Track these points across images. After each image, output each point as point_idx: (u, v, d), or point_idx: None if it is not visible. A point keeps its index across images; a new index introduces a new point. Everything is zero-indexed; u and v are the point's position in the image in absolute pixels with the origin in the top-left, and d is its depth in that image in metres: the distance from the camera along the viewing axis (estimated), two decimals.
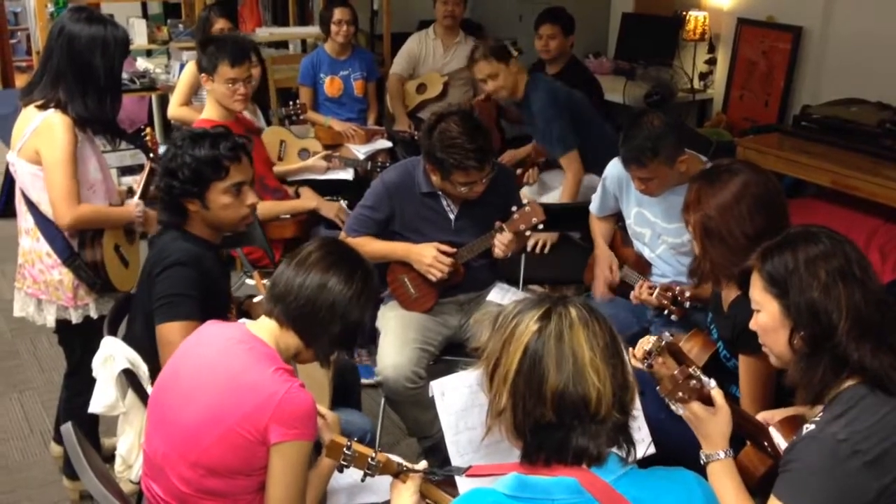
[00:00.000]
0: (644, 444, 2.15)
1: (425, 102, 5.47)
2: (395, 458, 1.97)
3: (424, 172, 3.14)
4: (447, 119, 2.99)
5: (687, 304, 2.89)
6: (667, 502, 1.54)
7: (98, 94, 2.90)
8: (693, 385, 1.92)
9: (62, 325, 3.10)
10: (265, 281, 2.53)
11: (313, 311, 2.04)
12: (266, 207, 4.00)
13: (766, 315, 1.92)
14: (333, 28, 5.22)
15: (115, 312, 2.78)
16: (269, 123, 4.85)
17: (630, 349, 2.13)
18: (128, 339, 2.62)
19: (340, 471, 1.98)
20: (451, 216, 3.19)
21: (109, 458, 2.92)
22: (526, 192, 4.43)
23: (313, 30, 6.75)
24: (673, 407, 1.97)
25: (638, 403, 1.88)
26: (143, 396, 2.49)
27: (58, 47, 2.87)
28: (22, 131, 2.90)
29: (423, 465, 1.99)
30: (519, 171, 4.46)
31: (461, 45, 5.50)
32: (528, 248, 4.03)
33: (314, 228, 4.13)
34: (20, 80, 8.24)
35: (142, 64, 6.25)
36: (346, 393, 2.87)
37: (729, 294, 2.49)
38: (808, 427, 1.81)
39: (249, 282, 4.18)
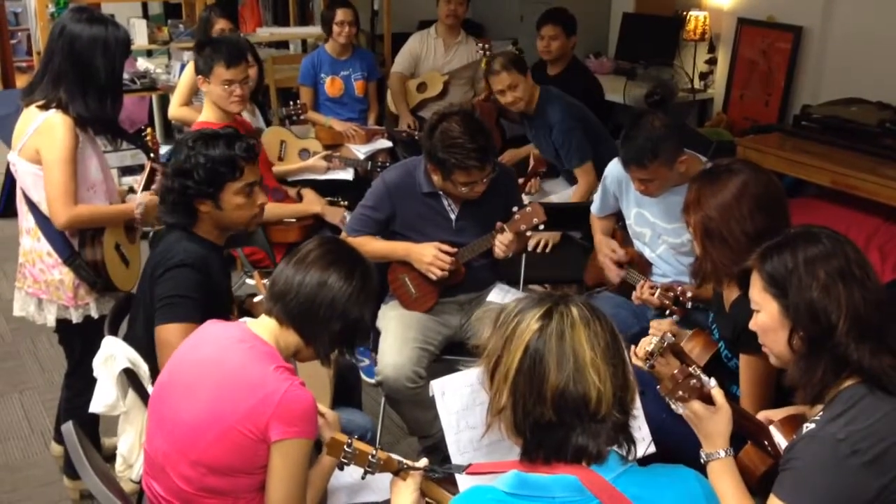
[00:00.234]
0: (644, 443, 2.16)
1: (426, 101, 5.48)
2: (396, 457, 1.98)
3: (425, 172, 3.14)
4: (449, 119, 2.99)
5: (689, 305, 2.89)
6: (667, 499, 1.55)
7: (99, 95, 2.90)
8: (693, 384, 1.92)
9: (63, 325, 3.10)
10: (265, 281, 2.53)
11: (313, 309, 2.04)
12: (269, 209, 3.99)
13: (766, 315, 1.92)
14: (335, 29, 5.22)
15: (115, 312, 2.79)
16: (268, 123, 4.85)
17: (632, 347, 2.13)
18: (129, 339, 2.62)
19: (341, 468, 1.98)
20: (452, 216, 3.19)
21: (110, 457, 2.92)
22: (526, 200, 4.43)
23: (314, 30, 6.75)
24: (673, 406, 1.97)
25: (638, 402, 1.88)
26: (143, 396, 2.50)
27: (59, 48, 2.88)
28: (23, 131, 2.90)
29: (423, 462, 1.99)
30: (521, 180, 4.47)
31: (462, 44, 5.51)
32: (530, 248, 4.04)
33: (319, 233, 4.13)
34: (21, 81, 8.24)
35: (142, 64, 6.25)
36: (346, 392, 2.87)
37: (730, 294, 2.49)
38: (808, 426, 1.81)
39: (249, 282, 4.18)
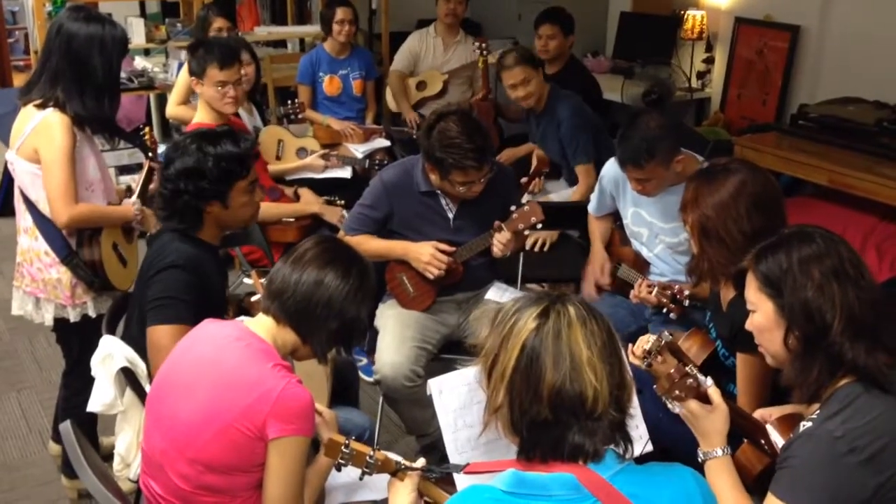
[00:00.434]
0: (642, 441, 2.16)
1: (425, 100, 5.48)
2: (394, 457, 1.98)
3: (423, 171, 3.14)
4: (446, 119, 2.99)
5: (686, 303, 2.89)
6: (663, 498, 1.55)
7: (96, 93, 2.91)
8: (690, 384, 1.93)
9: (60, 324, 3.10)
10: (263, 280, 2.53)
11: (310, 308, 2.05)
12: (267, 209, 4.00)
13: (761, 315, 1.92)
14: (335, 27, 5.22)
15: (113, 311, 2.79)
16: (265, 123, 4.85)
17: (630, 346, 2.14)
18: (126, 338, 2.62)
19: (339, 469, 1.99)
20: (450, 215, 3.19)
21: (108, 456, 2.93)
22: (528, 199, 4.43)
23: (312, 29, 6.75)
24: (670, 405, 1.98)
25: (636, 401, 1.89)
26: (141, 395, 2.50)
27: (56, 46, 2.88)
28: (21, 130, 2.90)
29: (420, 462, 1.99)
30: (523, 180, 4.47)
31: (461, 43, 5.52)
32: (528, 247, 4.04)
33: (317, 233, 4.12)
34: (18, 79, 8.23)
35: (140, 63, 6.25)
36: (344, 391, 2.87)
37: (727, 293, 2.50)
38: (805, 424, 1.82)
39: (247, 281, 4.19)
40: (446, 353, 3.28)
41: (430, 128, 3.01)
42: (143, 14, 7.21)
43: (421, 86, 5.52)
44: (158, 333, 2.42)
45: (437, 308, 3.27)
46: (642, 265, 3.34)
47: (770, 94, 5.74)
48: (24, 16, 8.77)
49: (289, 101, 4.92)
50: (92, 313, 3.05)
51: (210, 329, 2.12)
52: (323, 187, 4.48)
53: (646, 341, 2.06)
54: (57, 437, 3.40)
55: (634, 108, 5.36)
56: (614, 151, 3.19)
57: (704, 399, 1.96)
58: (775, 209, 2.42)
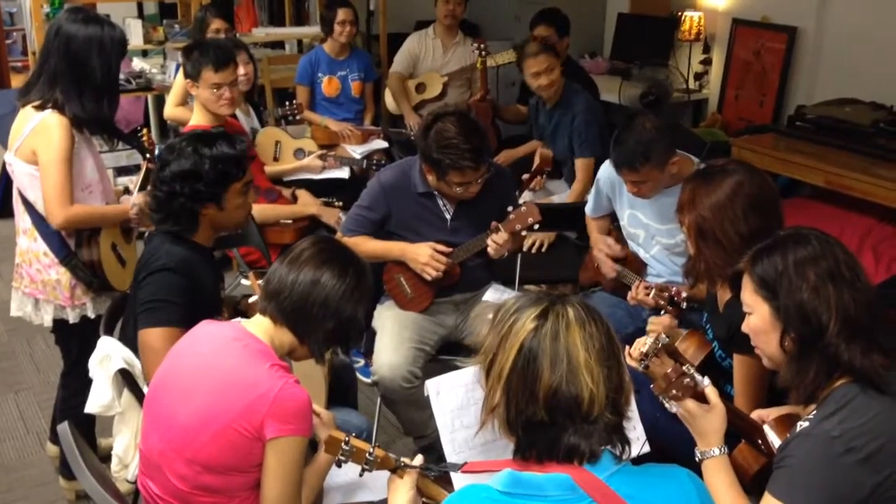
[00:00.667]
0: (639, 442, 2.17)
1: (424, 102, 5.48)
2: (393, 455, 1.98)
3: (420, 172, 3.15)
4: (443, 119, 2.99)
5: (683, 305, 2.90)
6: (660, 499, 1.55)
7: (95, 95, 2.91)
8: (687, 383, 1.93)
9: (59, 325, 3.10)
10: (260, 281, 2.53)
11: (306, 308, 2.05)
12: (266, 211, 4.01)
13: (757, 317, 1.93)
14: (337, 28, 5.23)
15: (111, 312, 2.79)
16: (263, 124, 4.85)
17: (627, 348, 2.14)
18: (123, 340, 2.62)
19: (339, 466, 1.99)
20: (447, 216, 3.20)
21: (105, 458, 2.92)
22: (528, 197, 4.44)
23: (310, 30, 6.75)
24: (667, 405, 1.98)
25: (633, 402, 1.89)
26: (139, 396, 2.50)
27: (55, 48, 2.88)
28: (19, 131, 2.91)
29: (419, 460, 2.00)
30: (525, 176, 4.48)
31: (460, 45, 5.52)
32: (525, 248, 4.05)
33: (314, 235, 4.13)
34: (16, 81, 8.23)
35: (138, 64, 6.25)
36: (342, 392, 2.87)
37: (724, 294, 2.50)
38: (802, 425, 1.82)
39: (245, 282, 4.19)
40: (444, 354, 3.28)
41: (427, 128, 3.01)
42: (140, 15, 7.21)
43: (420, 88, 5.52)
44: (149, 336, 2.42)
45: (434, 309, 3.27)
46: (639, 266, 3.34)
47: (767, 95, 5.75)
48: (21, 17, 8.76)
49: (287, 103, 4.92)
50: (91, 314, 3.05)
51: (208, 330, 2.12)
52: (321, 188, 4.48)
53: (643, 343, 2.07)
54: (55, 439, 3.40)
55: (632, 109, 5.36)
56: None
57: (702, 399, 1.96)
58: (772, 210, 2.42)
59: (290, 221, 4.11)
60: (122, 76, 4.51)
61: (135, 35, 5.85)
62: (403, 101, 5.46)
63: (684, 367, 1.95)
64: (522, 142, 5.10)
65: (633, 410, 2.14)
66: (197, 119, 3.86)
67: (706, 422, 1.95)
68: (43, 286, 3.02)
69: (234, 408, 1.94)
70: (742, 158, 4.49)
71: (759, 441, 2.08)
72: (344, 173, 4.77)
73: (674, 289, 2.94)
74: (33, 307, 3.09)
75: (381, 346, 3.12)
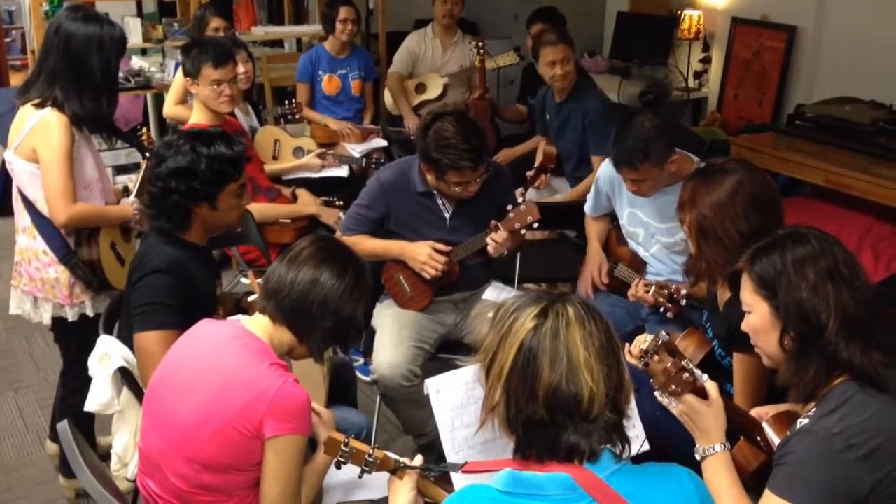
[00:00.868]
0: (638, 440, 2.17)
1: (424, 103, 5.47)
2: (392, 455, 1.98)
3: (420, 172, 3.15)
4: (442, 119, 2.99)
5: (683, 302, 2.90)
6: (660, 498, 1.55)
7: (95, 93, 2.91)
8: (686, 378, 1.93)
9: (58, 323, 3.10)
10: (260, 280, 2.53)
11: (305, 306, 2.05)
12: (265, 210, 4.00)
13: (757, 316, 1.93)
14: (339, 26, 5.23)
15: (110, 310, 2.79)
16: (262, 123, 4.85)
17: (627, 345, 2.14)
18: (121, 338, 2.62)
19: (338, 467, 1.99)
20: (447, 215, 3.20)
21: (105, 456, 2.92)
22: (533, 195, 4.44)
23: (309, 28, 6.75)
24: (666, 401, 1.98)
25: (633, 401, 1.89)
26: (138, 395, 2.50)
27: (54, 46, 2.88)
28: (19, 129, 2.91)
29: (419, 460, 2.00)
30: (530, 173, 4.47)
31: (459, 44, 5.51)
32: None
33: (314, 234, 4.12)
34: (15, 79, 8.23)
35: (137, 63, 6.24)
36: (341, 390, 2.87)
37: (724, 293, 2.50)
38: (802, 421, 1.83)
39: (245, 281, 4.19)
40: (443, 352, 3.29)
41: (426, 128, 3.01)
42: (139, 14, 7.20)
43: (420, 88, 5.52)
44: (145, 340, 2.41)
45: (434, 308, 3.27)
46: (639, 265, 3.35)
47: (767, 94, 5.75)
48: (20, 15, 8.77)
49: (286, 101, 4.92)
50: (90, 313, 3.05)
51: (207, 329, 2.12)
52: (321, 187, 4.48)
53: (643, 341, 2.07)
54: (54, 437, 3.40)
55: (631, 108, 5.37)
56: None
57: (701, 395, 1.96)
58: (773, 209, 2.43)
59: (288, 221, 4.11)
60: (120, 75, 4.52)
61: (134, 33, 5.85)
62: (403, 102, 5.46)
63: (683, 362, 1.95)
64: (521, 141, 5.10)
65: (633, 409, 2.14)
66: (196, 117, 3.86)
67: (707, 417, 1.94)
68: (42, 284, 3.02)
69: (233, 406, 1.94)
70: (741, 157, 4.49)
71: (759, 438, 2.08)
72: (343, 172, 4.77)
73: (673, 287, 2.94)
74: (32, 305, 3.09)
75: (380, 345, 3.12)
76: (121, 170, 5.79)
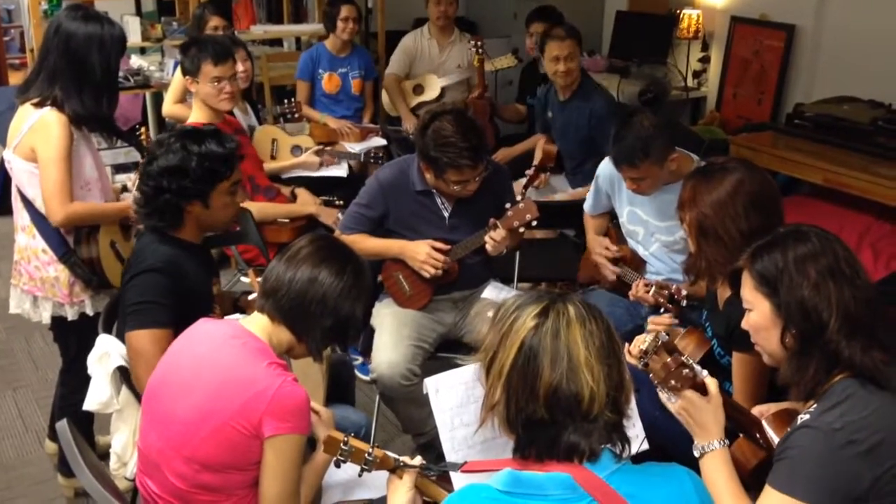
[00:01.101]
0: (638, 440, 2.17)
1: (422, 104, 5.46)
2: (392, 454, 1.98)
3: (419, 170, 3.15)
4: (441, 118, 2.99)
5: (683, 303, 2.90)
6: (660, 497, 1.55)
7: (94, 92, 2.90)
8: (686, 374, 1.93)
9: (58, 322, 3.10)
10: (259, 279, 2.53)
11: (304, 305, 2.05)
12: (264, 209, 4.00)
13: (758, 314, 1.93)
14: (340, 25, 5.22)
15: (109, 309, 2.78)
16: (261, 122, 4.85)
17: (626, 345, 2.14)
18: (120, 338, 2.62)
19: (338, 466, 1.99)
20: (446, 214, 3.20)
21: (104, 455, 2.92)
22: (532, 194, 4.44)
23: (308, 27, 6.75)
24: (665, 397, 1.98)
25: (633, 401, 1.89)
26: (137, 394, 2.49)
27: (54, 45, 2.88)
28: (18, 128, 2.90)
29: (418, 460, 2.00)
30: (529, 172, 4.47)
31: (456, 43, 5.51)
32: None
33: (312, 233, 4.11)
34: (14, 78, 8.22)
35: (136, 62, 6.24)
36: (340, 389, 2.87)
37: (724, 292, 2.50)
38: (803, 417, 1.83)
39: (244, 279, 4.19)
40: (443, 351, 3.29)
41: (425, 127, 3.01)
42: (138, 12, 7.19)
43: (418, 89, 5.51)
44: (137, 339, 2.41)
45: (433, 307, 3.27)
46: (639, 263, 3.35)
47: (766, 93, 5.75)
48: (19, 14, 8.76)
49: (285, 101, 4.92)
50: (90, 311, 3.05)
51: (206, 328, 2.12)
52: (320, 186, 4.48)
53: (642, 340, 2.07)
54: (53, 436, 3.40)
55: (630, 107, 5.37)
56: None
57: (701, 391, 1.96)
58: (773, 208, 2.43)
59: (287, 220, 4.10)
60: (120, 74, 4.53)
61: (133, 32, 5.84)
62: (401, 104, 5.45)
63: (683, 358, 1.95)
64: (520, 140, 5.10)
65: (633, 409, 2.13)
66: (196, 116, 3.85)
67: (706, 412, 1.94)
68: (41, 283, 3.01)
69: (231, 405, 1.93)
70: (741, 156, 4.49)
71: (758, 435, 2.08)
72: (342, 171, 4.77)
73: (674, 286, 2.94)
74: (32, 304, 3.08)
75: (379, 344, 3.12)
76: (120, 169, 5.78)
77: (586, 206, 3.60)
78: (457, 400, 2.24)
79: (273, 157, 4.69)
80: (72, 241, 2.97)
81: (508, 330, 1.59)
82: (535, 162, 4.69)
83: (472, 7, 7.37)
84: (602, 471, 1.54)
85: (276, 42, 7.12)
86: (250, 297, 2.81)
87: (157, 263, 2.44)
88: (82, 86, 2.88)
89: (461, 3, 6.26)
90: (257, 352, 2.01)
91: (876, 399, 1.78)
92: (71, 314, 3.04)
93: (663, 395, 1.98)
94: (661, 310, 2.95)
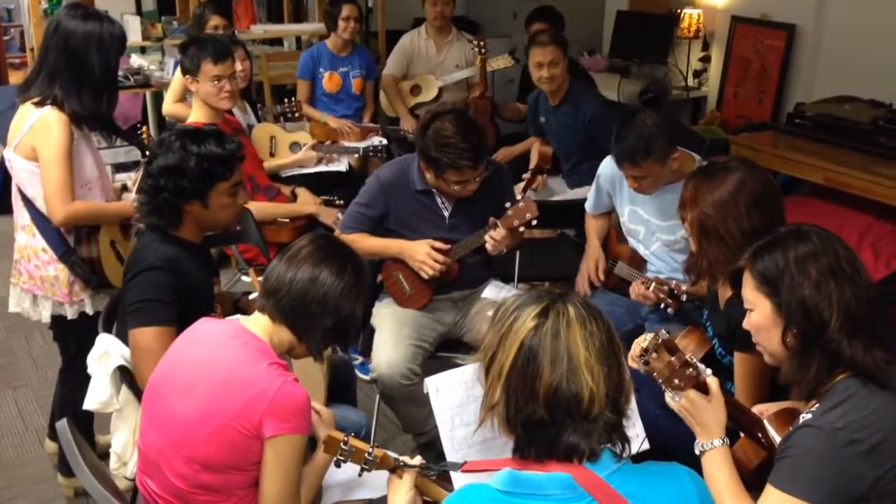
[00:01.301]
0: (638, 439, 2.16)
1: (420, 105, 5.46)
2: (392, 454, 1.98)
3: (419, 170, 3.14)
4: (441, 118, 2.99)
5: (683, 298, 2.90)
6: (660, 497, 1.55)
7: (94, 91, 2.90)
8: (689, 373, 1.93)
9: (57, 321, 3.10)
10: (260, 278, 2.53)
11: (305, 305, 2.04)
12: (264, 209, 4.00)
13: (759, 314, 1.93)
14: (341, 24, 5.22)
15: (109, 309, 2.78)
16: (260, 121, 4.85)
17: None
18: (119, 337, 2.61)
19: (338, 465, 1.99)
20: (446, 213, 3.20)
21: (104, 455, 2.92)
22: (531, 197, 4.43)
23: (308, 27, 6.74)
24: (668, 395, 1.97)
25: (633, 401, 1.89)
26: (137, 393, 2.49)
27: (54, 44, 2.87)
28: (19, 128, 2.90)
29: (418, 460, 1.99)
30: (526, 175, 4.46)
31: (453, 43, 5.50)
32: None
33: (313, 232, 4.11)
34: (14, 77, 8.22)
35: (136, 61, 6.24)
36: (341, 389, 2.87)
37: (725, 291, 2.50)
38: (805, 417, 1.83)
39: (245, 279, 4.18)
40: (443, 351, 3.29)
41: (426, 127, 3.01)
42: (139, 12, 7.20)
43: (415, 90, 5.50)
44: (141, 336, 2.40)
45: (433, 306, 3.27)
46: (639, 263, 3.35)
47: (766, 92, 5.75)
48: (19, 13, 8.76)
49: (285, 100, 4.91)
50: (89, 310, 3.05)
51: (207, 328, 2.12)
52: (320, 185, 4.47)
53: (643, 340, 2.07)
54: (53, 435, 3.40)
55: (631, 106, 5.37)
56: None
57: (703, 390, 1.96)
58: (774, 208, 2.42)
59: (287, 220, 4.10)
60: (120, 73, 4.53)
61: (133, 31, 5.84)
62: (399, 104, 5.45)
63: (687, 356, 1.95)
64: (521, 139, 5.10)
65: (633, 408, 2.13)
66: (196, 116, 3.85)
67: (708, 412, 1.94)
68: (41, 282, 3.01)
69: (232, 406, 1.93)
70: (741, 156, 4.49)
71: (760, 435, 2.08)
72: (342, 166, 4.76)
73: (673, 283, 2.94)
74: (31, 303, 3.08)
75: (379, 344, 3.11)
76: (120, 168, 5.78)
77: (588, 206, 3.60)
78: (457, 399, 2.24)
79: (272, 155, 4.69)
80: (72, 240, 2.97)
81: (508, 330, 1.58)
82: (531, 165, 4.69)
83: (472, 7, 7.36)
84: (602, 470, 1.54)
85: (277, 41, 7.12)
86: (251, 297, 2.81)
87: (158, 262, 2.43)
88: (82, 84, 2.88)
89: (461, 3, 6.26)
90: (258, 352, 2.01)
91: (877, 398, 1.78)
92: (71, 313, 3.04)
93: (668, 394, 1.98)
94: (662, 306, 2.95)
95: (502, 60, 5.38)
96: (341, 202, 4.19)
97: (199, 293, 2.55)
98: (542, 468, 1.55)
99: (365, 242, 3.16)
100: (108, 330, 2.67)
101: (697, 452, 1.95)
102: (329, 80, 5.33)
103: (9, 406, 3.90)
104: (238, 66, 4.16)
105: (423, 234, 3.17)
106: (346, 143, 5.06)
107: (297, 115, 4.92)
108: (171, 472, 2.00)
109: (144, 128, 3.40)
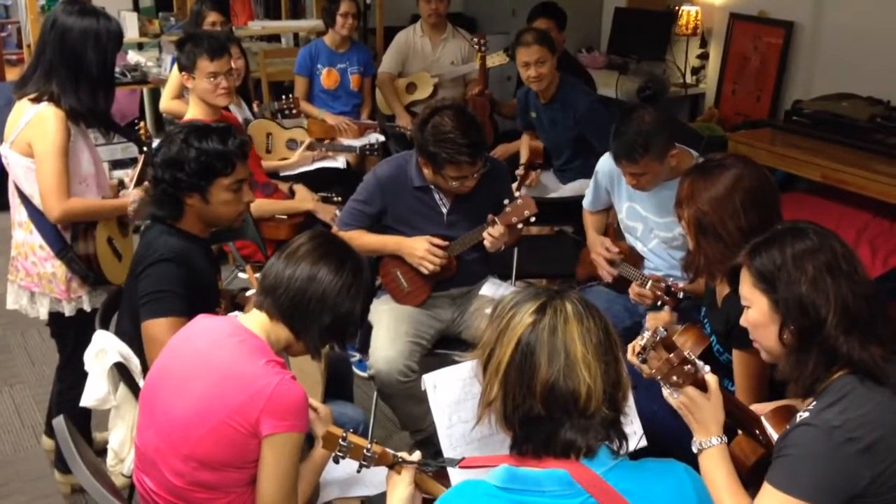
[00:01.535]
0: (636, 436, 2.16)
1: (415, 103, 5.44)
2: (390, 450, 1.98)
3: (417, 166, 3.14)
4: (440, 113, 2.99)
5: (680, 294, 2.90)
6: (657, 493, 1.55)
7: (91, 87, 2.90)
8: (688, 370, 1.93)
9: (55, 318, 3.09)
10: (258, 275, 2.53)
11: (303, 303, 2.04)
12: (261, 205, 3.99)
13: (756, 311, 1.93)
14: (339, 20, 5.21)
15: (107, 305, 2.78)
16: (254, 115, 4.84)
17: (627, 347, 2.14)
18: (118, 334, 2.61)
19: (336, 462, 1.98)
20: (444, 210, 3.19)
21: (101, 452, 2.92)
22: (524, 194, 4.43)
23: (306, 23, 6.74)
24: (666, 392, 1.97)
25: (630, 397, 1.89)
26: (134, 390, 2.49)
27: (51, 40, 2.87)
28: (15, 124, 2.90)
29: (416, 456, 1.99)
30: (519, 171, 4.46)
31: (449, 40, 5.49)
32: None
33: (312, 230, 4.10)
34: (11, 73, 8.18)
35: (133, 57, 6.23)
36: (338, 385, 2.87)
37: (723, 288, 2.50)
38: (802, 415, 1.83)
39: (242, 276, 4.18)
40: (440, 347, 3.29)
41: (424, 122, 3.01)
42: (136, 8, 7.17)
43: (411, 87, 5.50)
44: (155, 327, 2.41)
45: (431, 303, 3.27)
46: (637, 259, 3.34)
47: (764, 90, 5.75)
48: (16, 9, 8.74)
49: (283, 97, 4.91)
50: (87, 307, 3.05)
51: (204, 324, 2.12)
52: (318, 182, 4.47)
53: (641, 339, 2.07)
54: (50, 432, 3.39)
55: (629, 103, 5.37)
56: None
57: (701, 387, 1.96)
58: (771, 204, 2.42)
59: (284, 217, 4.09)
60: (117, 69, 4.52)
61: (130, 28, 5.83)
62: (395, 102, 5.44)
63: (685, 353, 1.95)
64: (519, 137, 5.09)
65: (631, 405, 2.13)
66: (193, 112, 3.85)
67: (706, 409, 1.94)
68: (39, 279, 3.01)
69: (229, 404, 1.93)
70: (739, 153, 4.49)
71: (758, 432, 2.08)
72: (340, 163, 4.75)
73: (670, 280, 2.94)
74: (29, 300, 3.08)
75: (377, 341, 3.11)
76: (117, 164, 5.78)
77: (586, 203, 3.59)
78: (454, 396, 2.23)
79: (268, 152, 4.69)
80: (69, 237, 2.97)
81: (506, 327, 1.58)
82: (522, 160, 4.68)
83: (471, 3, 7.36)
84: (599, 467, 1.54)
85: (274, 38, 7.11)
86: (248, 294, 2.81)
87: (168, 254, 2.45)
88: (78, 81, 2.87)
89: (460, 0, 6.24)
90: (255, 349, 2.00)
91: (875, 396, 1.78)
92: (68, 310, 3.04)
93: (665, 391, 1.98)
94: (659, 303, 2.95)
95: (497, 58, 5.37)
96: (339, 199, 4.19)
97: (206, 287, 2.56)
98: (539, 464, 1.54)
99: (363, 239, 3.16)
100: (105, 327, 2.67)
101: (695, 450, 1.95)
102: (327, 77, 5.33)
103: (5, 402, 3.90)
104: (231, 66, 4.15)
105: (422, 231, 3.16)
106: (344, 141, 5.05)
107: (294, 111, 4.91)
108: (169, 470, 2.00)
109: (142, 124, 3.39)
